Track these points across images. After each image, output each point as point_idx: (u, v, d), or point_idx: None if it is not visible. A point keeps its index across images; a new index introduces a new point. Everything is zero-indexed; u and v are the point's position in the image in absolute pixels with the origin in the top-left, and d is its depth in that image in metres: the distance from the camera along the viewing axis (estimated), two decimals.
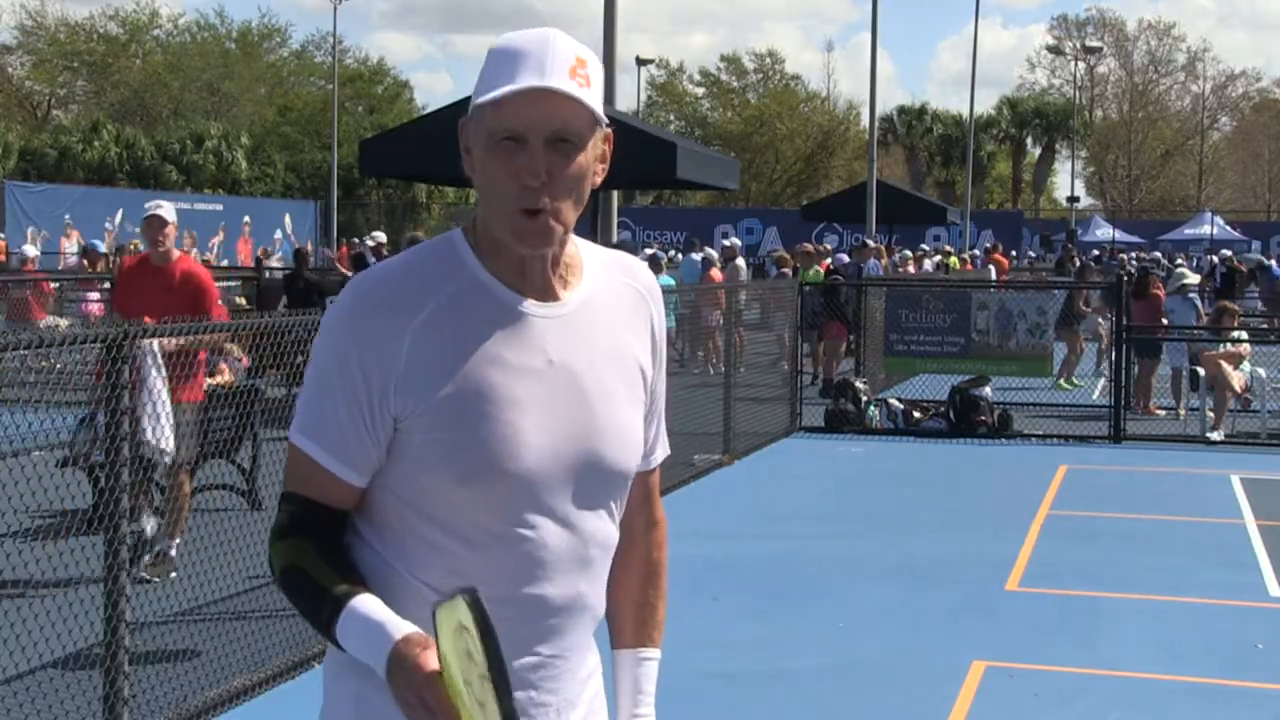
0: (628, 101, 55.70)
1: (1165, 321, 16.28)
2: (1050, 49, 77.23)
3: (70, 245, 33.92)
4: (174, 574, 7.34)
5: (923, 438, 13.83)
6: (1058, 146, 74.84)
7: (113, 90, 63.79)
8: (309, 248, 27.49)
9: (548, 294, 2.05)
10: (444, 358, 1.98)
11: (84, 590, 6.79)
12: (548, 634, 2.06)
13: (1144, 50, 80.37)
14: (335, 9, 49.36)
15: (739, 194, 55.72)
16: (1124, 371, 14.41)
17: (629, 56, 58.72)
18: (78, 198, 38.10)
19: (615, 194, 19.74)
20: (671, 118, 74.04)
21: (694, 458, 11.50)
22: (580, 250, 2.12)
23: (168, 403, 6.84)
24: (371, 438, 2.00)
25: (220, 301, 8.26)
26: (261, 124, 62.38)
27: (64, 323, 16.46)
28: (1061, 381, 17.09)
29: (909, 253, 27.34)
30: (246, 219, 43.87)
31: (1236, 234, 50.51)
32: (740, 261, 21.84)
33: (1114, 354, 14.40)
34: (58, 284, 19.38)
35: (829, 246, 25.66)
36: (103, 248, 26.99)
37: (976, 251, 35.40)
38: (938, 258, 30.16)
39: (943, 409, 14.11)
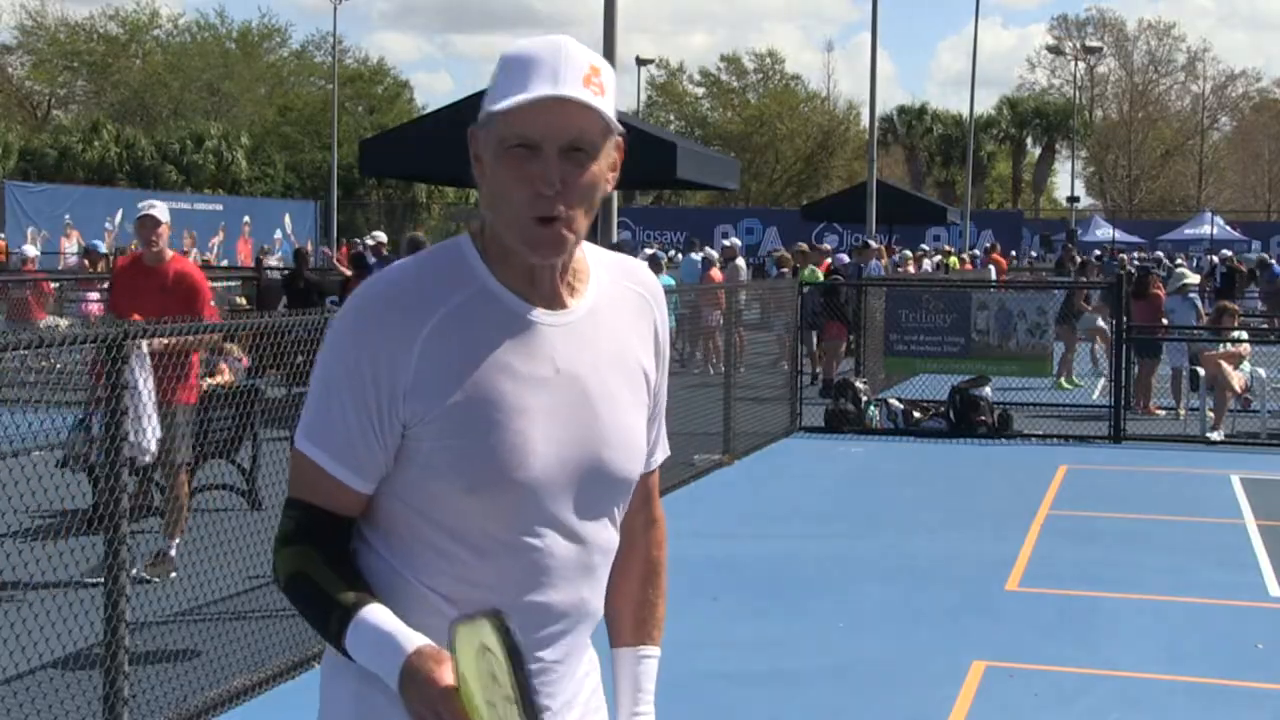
0: (628, 101, 55.70)
1: (1165, 321, 16.28)
2: (1050, 49, 77.28)
3: (70, 245, 33.93)
4: (174, 574, 7.34)
5: (923, 438, 13.83)
6: (1058, 146, 74.85)
7: (113, 90, 63.80)
8: (309, 247, 27.48)
9: (555, 302, 2.05)
10: (453, 366, 1.98)
11: (84, 590, 6.80)
12: (550, 640, 2.08)
13: (1144, 50, 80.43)
14: (335, 9, 49.39)
15: (739, 194, 55.74)
16: (1124, 371, 14.41)
17: (629, 56, 58.74)
18: (78, 198, 38.11)
19: (615, 194, 19.76)
20: (671, 118, 74.04)
21: (694, 458, 11.50)
22: (586, 255, 2.12)
23: (152, 403, 6.81)
24: (379, 444, 2.00)
25: (213, 303, 8.22)
26: (261, 124, 62.38)
27: (64, 323, 16.46)
28: (1061, 381, 17.09)
29: (909, 253, 27.34)
30: (246, 219, 43.86)
31: (1236, 234, 50.52)
32: (740, 261, 21.83)
33: (1114, 354, 14.39)
34: (58, 284, 19.38)
35: (829, 246, 25.62)
36: (103, 248, 26.99)
37: (977, 251, 35.40)
38: (937, 258, 30.16)
39: (943, 409, 14.10)
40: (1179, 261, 32.35)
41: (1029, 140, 75.55)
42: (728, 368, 12.80)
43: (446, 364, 1.97)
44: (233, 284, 22.65)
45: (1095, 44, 71.86)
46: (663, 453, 2.29)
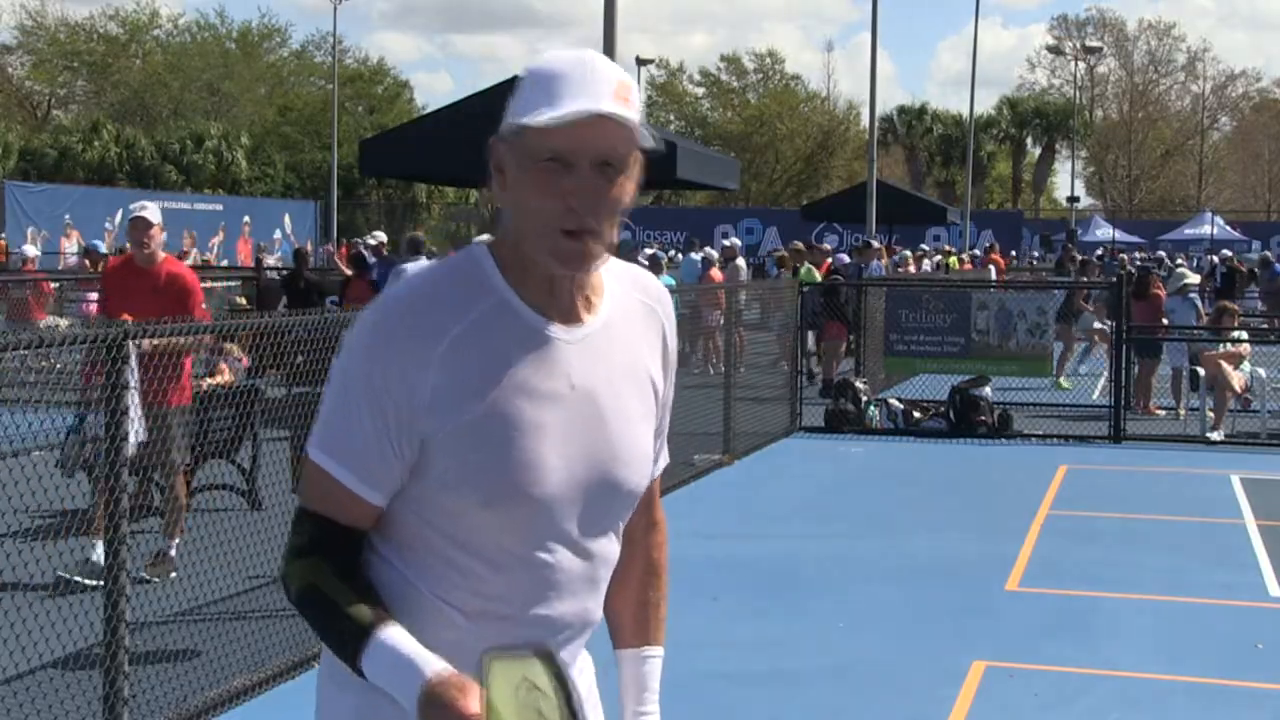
0: None
1: (1165, 321, 16.28)
2: (1050, 49, 77.30)
3: (70, 245, 33.94)
4: (174, 574, 7.34)
5: (923, 438, 13.83)
6: (1058, 146, 74.87)
7: (113, 90, 63.81)
8: (309, 247, 27.48)
9: (572, 316, 2.05)
10: (471, 381, 1.97)
11: (84, 590, 6.80)
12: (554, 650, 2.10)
13: (1144, 50, 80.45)
14: (335, 9, 49.41)
15: (739, 194, 55.75)
16: (1124, 371, 14.41)
17: (629, 56, 58.73)
18: (78, 198, 38.13)
19: None
20: (671, 118, 74.04)
21: (694, 458, 11.50)
22: (601, 268, 2.13)
23: (137, 405, 6.73)
24: (395, 458, 1.99)
25: (204, 304, 8.17)
26: (261, 124, 62.39)
27: (64, 323, 16.47)
28: (1061, 381, 17.09)
29: (908, 253, 27.35)
30: (246, 219, 43.88)
31: (1236, 234, 50.52)
32: (740, 261, 21.84)
33: (1114, 354, 14.39)
34: (58, 284, 19.38)
35: (829, 246, 25.62)
36: (103, 248, 26.98)
37: (977, 251, 35.41)
38: (937, 258, 30.17)
39: (943, 409, 14.10)
40: (1179, 261, 32.36)
41: (1029, 140, 75.57)
42: (728, 368, 12.80)
43: (464, 379, 1.97)
44: (233, 284, 22.65)
45: (1095, 44, 71.86)
46: (664, 460, 2.30)
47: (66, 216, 36.13)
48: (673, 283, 16.23)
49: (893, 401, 14.42)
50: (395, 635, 1.93)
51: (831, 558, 8.62)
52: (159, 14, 65.95)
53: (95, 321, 7.77)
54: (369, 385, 1.97)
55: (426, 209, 61.33)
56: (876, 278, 19.46)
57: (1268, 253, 32.86)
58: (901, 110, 74.17)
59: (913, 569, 8.32)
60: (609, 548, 2.13)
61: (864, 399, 14.27)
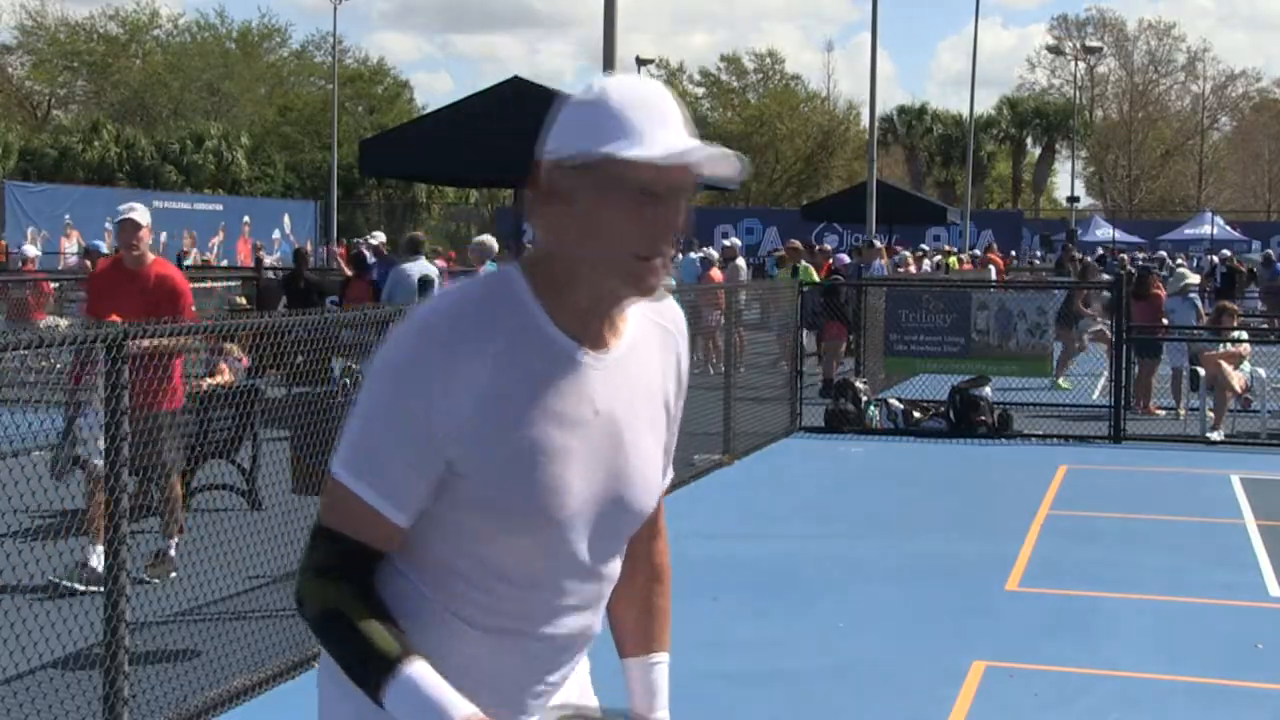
0: None
1: (1165, 321, 16.28)
2: (1050, 49, 77.31)
3: (70, 245, 33.97)
4: (174, 574, 7.33)
5: (923, 438, 13.83)
6: (1058, 146, 74.89)
7: (113, 90, 63.83)
8: (309, 247, 27.48)
9: (600, 342, 2.06)
10: (501, 406, 1.97)
11: (84, 591, 6.80)
12: (558, 665, 2.14)
13: (1144, 50, 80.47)
14: (335, 9, 49.41)
15: (739, 194, 55.82)
16: (1124, 371, 14.41)
17: (629, 56, 58.72)
18: (78, 198, 38.16)
19: None
20: None
21: (694, 458, 11.50)
22: None
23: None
24: (423, 480, 1.99)
25: (194, 306, 8.06)
26: (261, 124, 62.41)
27: (64, 323, 16.46)
28: (1061, 381, 17.09)
29: (908, 254, 27.35)
30: (246, 219, 43.91)
31: (1236, 234, 50.55)
32: (740, 261, 21.84)
33: (1114, 354, 14.39)
34: (58, 284, 19.38)
35: (829, 247, 25.63)
36: (103, 248, 26.98)
37: (977, 251, 35.41)
38: (937, 258, 30.17)
39: (943, 409, 14.10)
40: (1179, 261, 32.37)
41: (1029, 140, 75.59)
42: (728, 368, 12.80)
43: (494, 404, 1.97)
44: (233, 284, 22.65)
45: (1095, 44, 71.87)
46: (670, 475, 2.31)
47: (66, 216, 36.16)
48: (673, 283, 16.24)
49: (893, 401, 14.42)
50: (422, 672, 1.92)
51: (831, 558, 8.62)
52: (159, 14, 66.08)
53: (73, 324, 7.66)
54: (399, 408, 1.96)
55: (426, 209, 61.35)
56: (877, 277, 19.46)
57: (1270, 251, 32.86)
58: (901, 110, 74.20)
59: (913, 569, 8.32)
60: (615, 566, 2.17)
61: (864, 399, 14.27)
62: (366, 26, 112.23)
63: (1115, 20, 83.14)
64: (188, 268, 25.64)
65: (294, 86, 67.85)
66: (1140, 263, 29.60)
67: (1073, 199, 60.68)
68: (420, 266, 13.53)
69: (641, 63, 60.35)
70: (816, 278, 18.69)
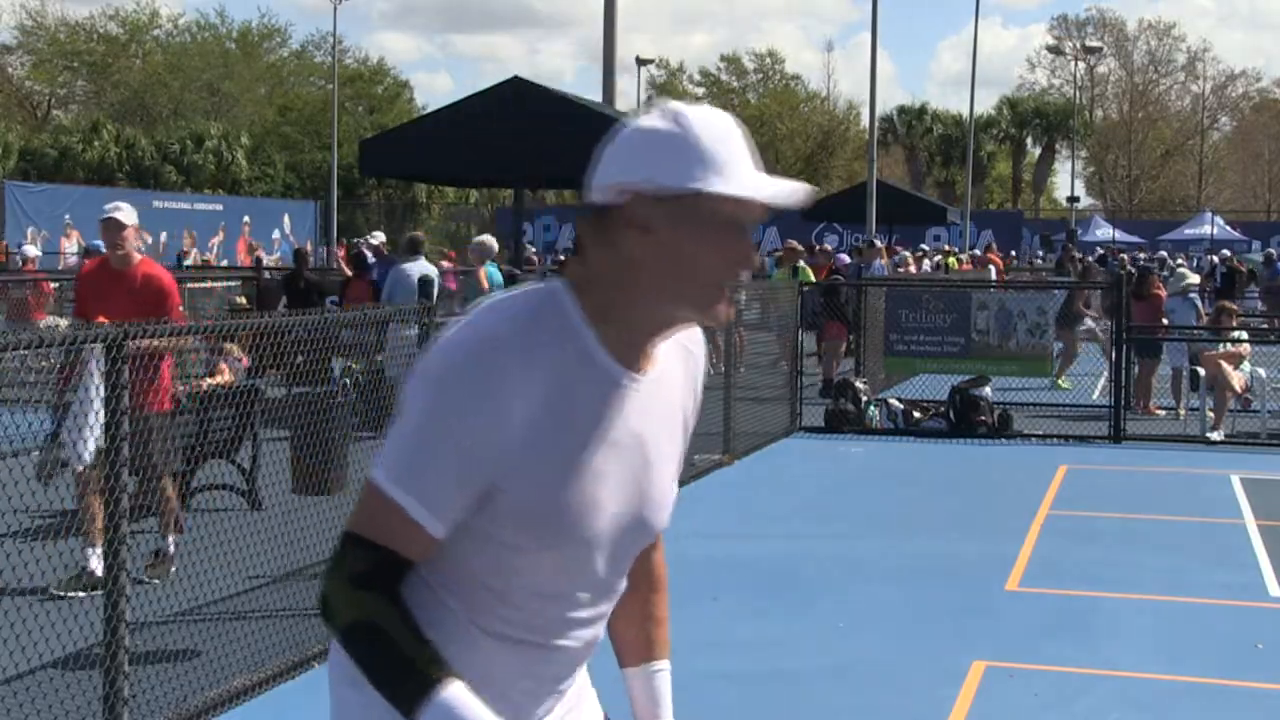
0: (628, 101, 55.70)
1: (1165, 321, 16.28)
2: (1050, 49, 77.32)
3: (70, 245, 33.96)
4: (173, 569, 7.33)
5: (923, 438, 13.83)
6: (1058, 146, 74.88)
7: (113, 90, 63.82)
8: (309, 247, 27.48)
9: (639, 365, 2.08)
10: (549, 428, 1.98)
11: (83, 590, 6.80)
12: (567, 674, 2.17)
13: (1144, 50, 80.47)
14: (335, 9, 49.41)
15: None
16: (1124, 371, 14.41)
17: (629, 56, 58.75)
18: (78, 198, 38.15)
19: None
20: None
21: (694, 458, 11.50)
22: None
23: (101, 413, 6.58)
24: (467, 494, 1.99)
25: (181, 306, 8.00)
26: (261, 124, 62.40)
27: (64, 323, 16.46)
28: (1060, 381, 17.09)
29: (908, 253, 27.35)
30: (246, 219, 43.92)
31: (1236, 234, 50.53)
32: None
33: (1114, 354, 14.39)
34: (58, 284, 19.38)
35: (829, 247, 25.62)
36: (104, 248, 27.01)
37: (977, 251, 35.42)
38: (937, 258, 30.17)
39: (943, 409, 14.11)
40: (1179, 261, 32.37)
41: (1029, 140, 75.59)
42: (728, 368, 12.80)
43: (542, 425, 1.98)
44: (233, 284, 22.65)
45: (1095, 44, 71.89)
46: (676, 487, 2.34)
47: (66, 216, 36.15)
48: None
49: (893, 401, 14.42)
50: (459, 694, 1.93)
51: (831, 558, 8.62)
52: (159, 14, 66.05)
53: (71, 324, 7.53)
54: (452, 421, 1.95)
55: (426, 209, 61.34)
56: (877, 277, 19.45)
57: (1271, 250, 32.86)
58: (901, 110, 74.21)
59: (913, 569, 8.32)
60: (624, 581, 2.20)
61: (864, 399, 14.27)
62: (366, 26, 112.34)
63: (1115, 20, 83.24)
64: (188, 268, 25.63)
65: (294, 86, 67.84)
66: (1141, 263, 29.61)
67: (1073, 199, 60.69)
68: (420, 266, 13.53)
69: (641, 63, 60.38)
70: (811, 276, 18.65)
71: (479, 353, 1.95)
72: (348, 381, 9.78)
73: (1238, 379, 14.01)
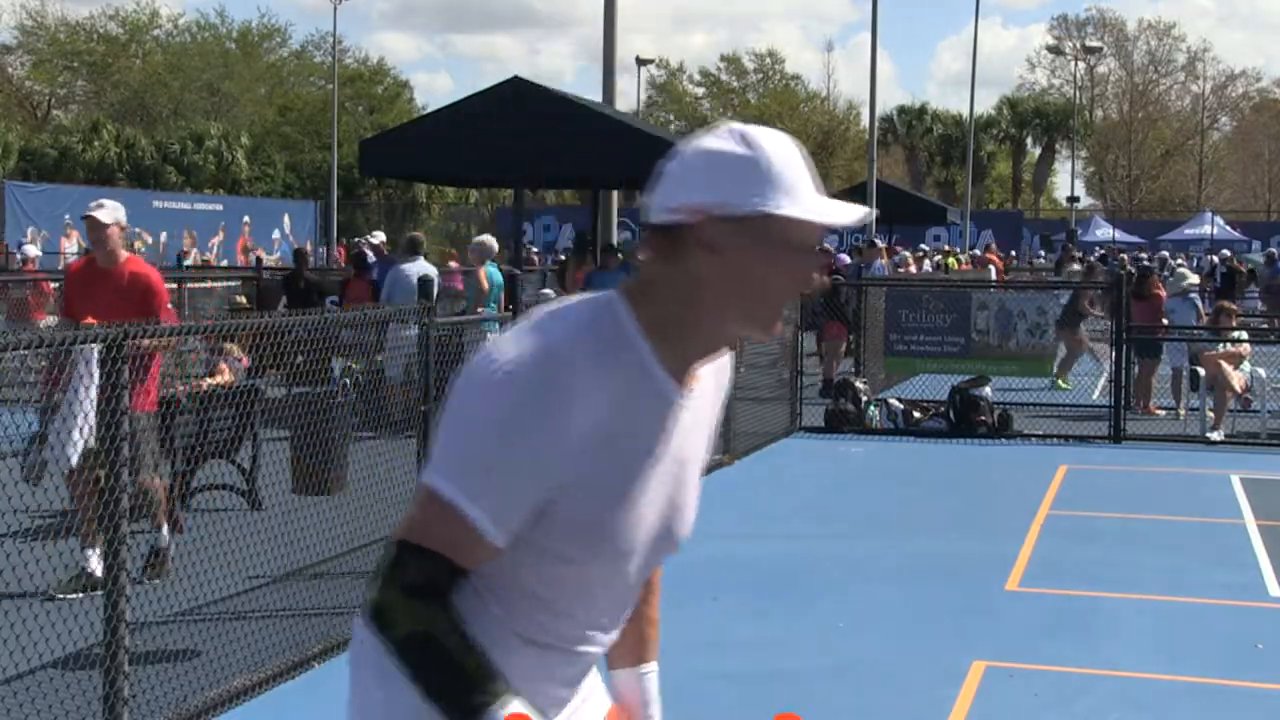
0: (628, 101, 55.70)
1: (1165, 321, 16.29)
2: (1050, 49, 77.32)
3: (70, 245, 33.95)
4: (169, 564, 7.28)
5: (923, 438, 13.83)
6: (1058, 146, 74.89)
7: (113, 90, 63.82)
8: (309, 247, 27.47)
9: (687, 381, 2.12)
10: (608, 443, 2.01)
11: (83, 590, 6.80)
12: (583, 676, 2.22)
13: (1144, 50, 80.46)
14: (335, 9, 49.42)
15: None
16: (1124, 371, 14.41)
17: (629, 56, 58.71)
18: (78, 198, 38.09)
19: (615, 194, 19.77)
20: (671, 118, 74.04)
21: None
22: None
23: (91, 414, 6.54)
24: (529, 504, 2.00)
25: (170, 305, 7.79)
26: (261, 124, 62.41)
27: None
28: (1060, 381, 17.09)
29: (908, 253, 27.36)
30: (246, 219, 43.90)
31: (1236, 234, 50.54)
32: None
33: (1114, 354, 14.39)
34: (58, 284, 19.37)
35: (829, 247, 25.60)
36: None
37: (977, 251, 35.42)
38: (937, 258, 30.17)
39: (943, 409, 14.11)
40: (1179, 262, 32.37)
41: (1029, 140, 75.59)
42: None
43: (603, 440, 2.00)
44: (233, 284, 22.64)
45: (1095, 44, 71.89)
46: None
47: (66, 216, 36.12)
48: None
49: (893, 401, 14.42)
50: (520, 713, 1.95)
51: (831, 558, 8.62)
52: (159, 14, 66.08)
53: (60, 324, 7.40)
54: (520, 435, 1.95)
55: (426, 209, 61.34)
56: (877, 277, 19.45)
57: (1273, 250, 32.86)
58: (901, 110, 74.22)
59: (913, 569, 8.32)
60: (642, 589, 2.27)
61: (864, 399, 14.27)
62: (366, 26, 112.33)
63: (1115, 20, 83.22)
64: (188, 268, 25.63)
65: (294, 86, 67.85)
66: (1142, 263, 29.62)
67: (1073, 199, 60.69)
68: (419, 266, 13.54)
69: (641, 63, 60.36)
70: None
71: (548, 365, 1.96)
72: (348, 381, 9.79)
73: (1238, 379, 14.02)
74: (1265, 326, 20.60)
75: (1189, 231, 51.39)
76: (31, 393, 11.10)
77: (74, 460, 6.45)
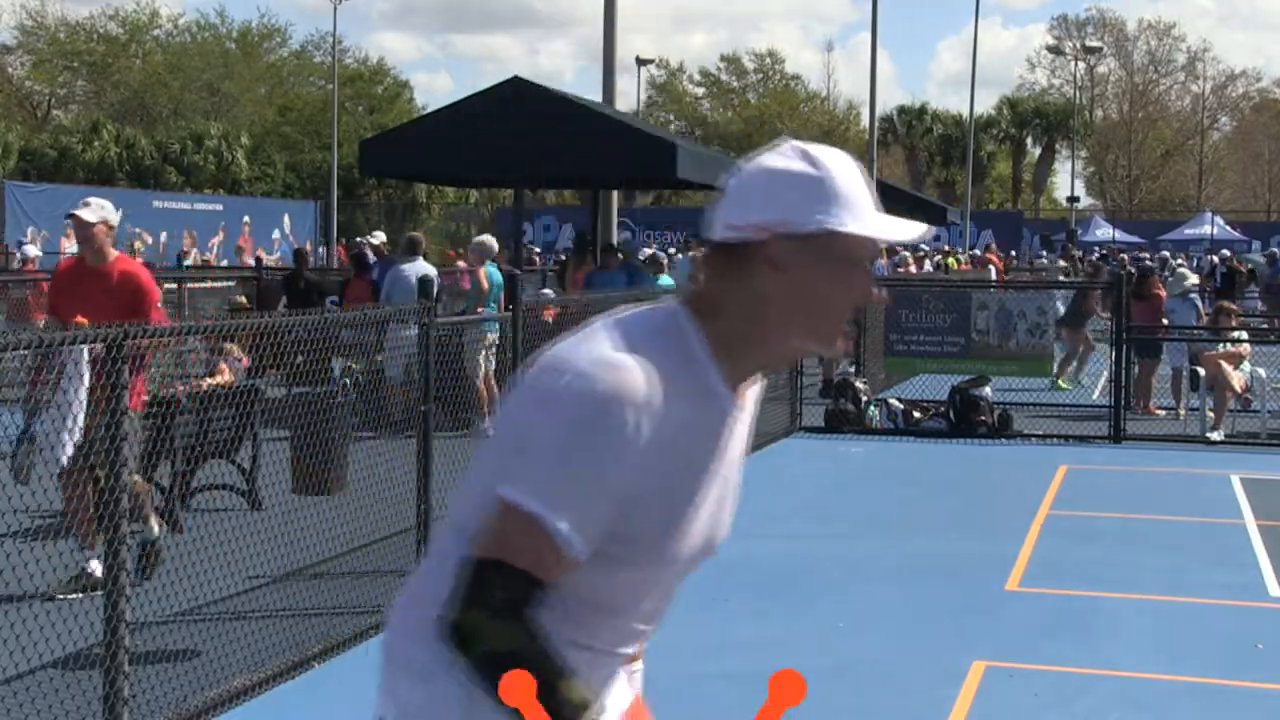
0: (628, 101, 55.70)
1: (1165, 321, 16.29)
2: (1050, 49, 77.30)
3: (70, 245, 33.89)
4: (161, 554, 7.22)
5: (923, 438, 13.83)
6: (1058, 146, 74.84)
7: (113, 90, 63.81)
8: (309, 247, 27.46)
9: (743, 397, 2.16)
10: (676, 458, 2.05)
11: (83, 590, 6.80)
12: (615, 676, 2.26)
13: (1144, 50, 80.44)
14: (335, 9, 49.42)
15: None
16: (1124, 371, 14.41)
17: (629, 56, 58.73)
18: (77, 198, 37.92)
19: (615, 194, 19.77)
20: (671, 118, 74.04)
21: None
22: None
23: (80, 416, 6.40)
24: (605, 518, 2.01)
25: (160, 304, 7.68)
26: (261, 124, 62.40)
27: None
28: (1060, 381, 17.10)
29: (908, 253, 27.34)
30: (246, 219, 43.88)
31: (1236, 234, 50.52)
32: None
33: (1114, 354, 14.39)
34: None
35: None
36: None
37: (976, 251, 35.42)
38: (937, 258, 30.17)
39: (943, 409, 14.11)
40: (1179, 262, 32.36)
41: (1029, 140, 75.54)
42: None
43: (671, 454, 2.03)
44: (229, 284, 22.63)
45: (1095, 44, 71.88)
46: None
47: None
48: (672, 283, 16.24)
49: (893, 401, 14.42)
50: None
51: (831, 558, 8.62)
52: (159, 14, 66.04)
53: (47, 324, 7.29)
54: (602, 450, 1.97)
55: (426, 209, 61.34)
56: (877, 277, 19.44)
57: (1274, 249, 32.85)
58: (901, 110, 74.17)
59: (913, 569, 8.32)
60: None
61: (864, 399, 14.27)
62: (366, 26, 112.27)
63: (1115, 20, 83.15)
64: (188, 268, 25.63)
65: (294, 86, 67.83)
66: (1143, 263, 29.63)
67: (1073, 199, 60.69)
68: (418, 267, 13.54)
69: (641, 63, 60.37)
70: None
71: (623, 378, 1.97)
72: (348, 381, 9.79)
73: (1238, 379, 14.02)
74: (1265, 326, 20.60)
75: (1189, 231, 51.38)
76: (24, 392, 11.10)
77: (64, 461, 6.43)
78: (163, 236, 39.06)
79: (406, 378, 8.95)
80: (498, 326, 12.38)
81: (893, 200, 31.59)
